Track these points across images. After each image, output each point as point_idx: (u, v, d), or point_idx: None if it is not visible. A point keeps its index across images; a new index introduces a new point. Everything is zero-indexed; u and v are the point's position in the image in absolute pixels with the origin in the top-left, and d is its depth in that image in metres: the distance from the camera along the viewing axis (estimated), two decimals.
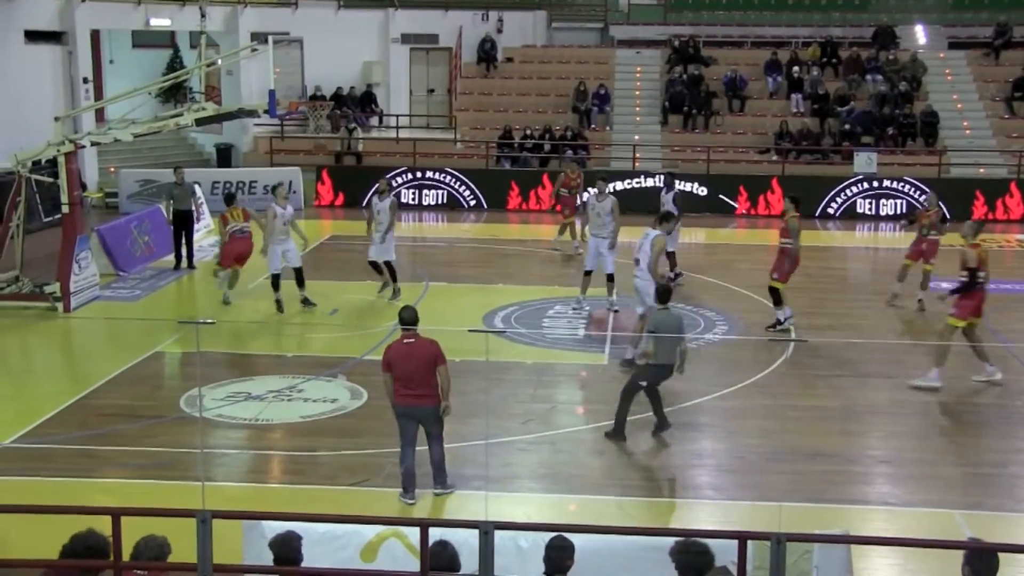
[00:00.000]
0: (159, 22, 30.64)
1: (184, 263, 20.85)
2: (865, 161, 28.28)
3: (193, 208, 21.38)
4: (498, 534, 6.46)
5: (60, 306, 17.43)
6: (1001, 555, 6.65)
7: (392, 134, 32.33)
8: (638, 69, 33.48)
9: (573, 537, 7.15)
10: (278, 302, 17.43)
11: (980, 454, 12.11)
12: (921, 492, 11.16)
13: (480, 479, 11.01)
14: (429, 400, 10.61)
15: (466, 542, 6.93)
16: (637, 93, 32.72)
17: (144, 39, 34.03)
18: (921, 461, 11.93)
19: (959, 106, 31.39)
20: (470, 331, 14.83)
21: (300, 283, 17.65)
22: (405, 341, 10.68)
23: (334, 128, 31.08)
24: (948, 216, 18.78)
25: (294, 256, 17.59)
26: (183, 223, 20.95)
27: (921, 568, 9.34)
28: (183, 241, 20.91)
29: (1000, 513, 10.66)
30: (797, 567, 7.63)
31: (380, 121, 33.64)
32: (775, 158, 29.56)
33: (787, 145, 29.67)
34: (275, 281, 17.43)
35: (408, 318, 10.82)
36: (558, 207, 23.49)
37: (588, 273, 17.73)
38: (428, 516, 10.25)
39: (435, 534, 7.04)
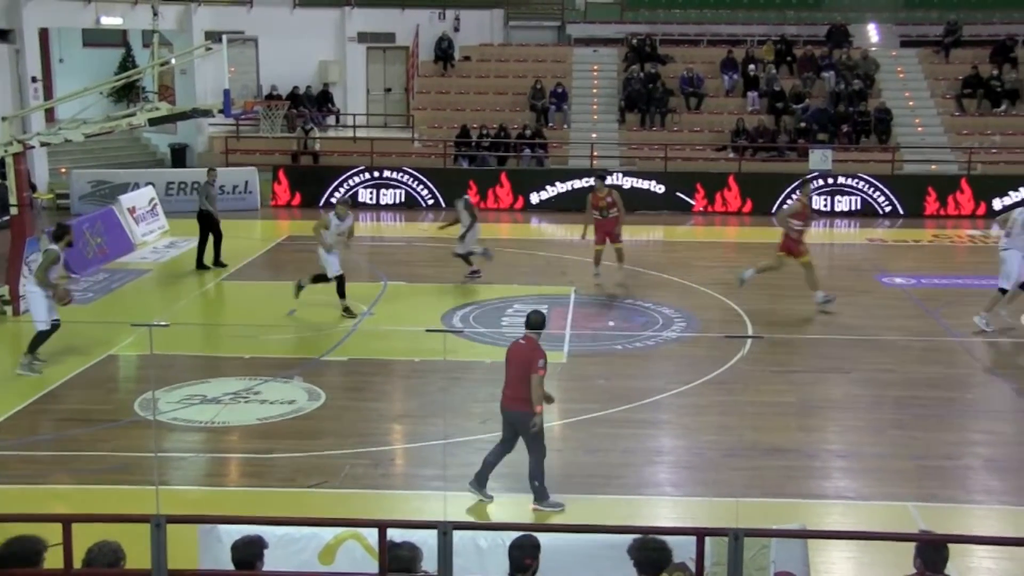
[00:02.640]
0: (110, 20, 30.35)
1: (209, 262, 20.70)
2: (820, 158, 28.49)
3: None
4: (458, 534, 6.44)
5: (9, 310, 17.19)
6: (953, 545, 6.72)
7: (349, 133, 32.20)
8: (595, 67, 33.55)
9: (542, 535, 7.14)
10: (347, 309, 17.20)
11: (933, 447, 12.23)
12: (876, 485, 11.26)
13: (439, 479, 10.98)
14: (516, 404, 10.44)
15: (425, 542, 6.90)
16: (594, 91, 32.79)
17: (95, 38, 33.66)
18: (876, 455, 12.03)
19: (911, 103, 31.71)
20: (427, 331, 14.80)
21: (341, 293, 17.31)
22: (518, 341, 10.62)
23: (290, 128, 30.90)
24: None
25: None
26: (211, 224, 20.70)
27: (876, 560, 9.42)
28: (208, 241, 20.68)
29: (952, 504, 10.78)
30: (755, 562, 7.67)
31: (337, 120, 33.51)
32: (732, 156, 29.73)
33: (743, 143, 29.85)
34: (340, 287, 17.24)
35: (530, 321, 10.66)
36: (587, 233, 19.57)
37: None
38: (386, 517, 10.19)
39: (394, 535, 7.00)
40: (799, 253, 17.62)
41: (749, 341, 15.97)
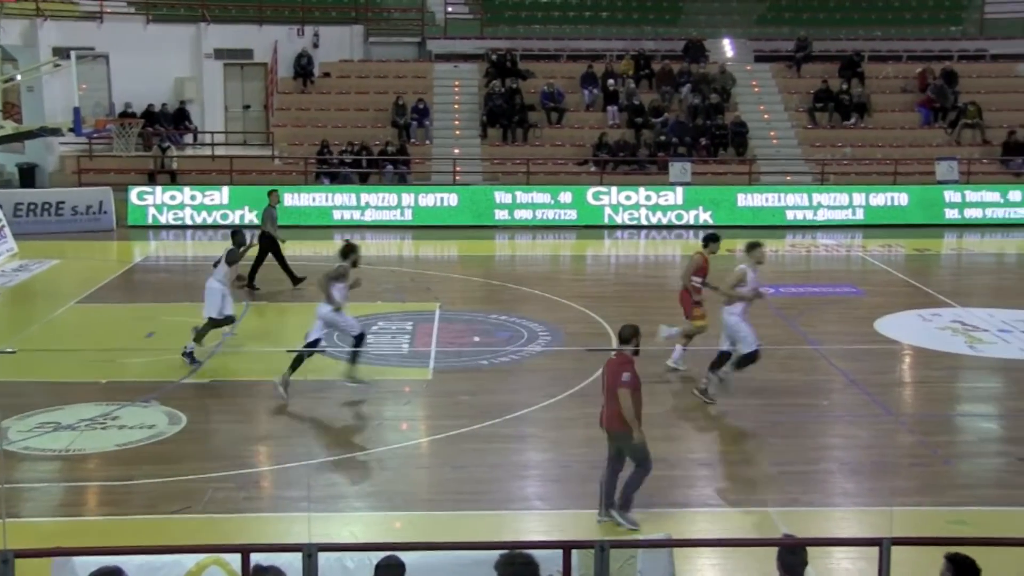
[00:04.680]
0: None
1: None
2: (680, 171, 29.05)
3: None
4: (324, 555, 6.32)
5: None
6: (813, 548, 6.85)
7: (208, 151, 31.58)
8: (456, 83, 33.60)
9: (402, 554, 7.04)
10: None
11: (793, 453, 12.51)
12: (739, 492, 11.45)
13: (304, 500, 10.79)
14: (611, 422, 10.30)
15: (291, 565, 6.75)
16: (456, 107, 32.83)
17: None
18: (739, 462, 12.25)
19: (766, 116, 32.58)
20: (288, 351, 14.53)
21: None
22: (611, 357, 10.54)
23: (146, 146, 30.14)
24: None
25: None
26: (273, 245, 20.15)
27: (740, 566, 9.56)
28: (263, 263, 20.17)
29: (813, 508, 11.03)
30: (622, 573, 7.71)
31: (195, 138, 32.85)
32: (593, 169, 30.08)
33: (605, 156, 30.23)
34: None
35: (621, 335, 10.60)
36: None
37: None
38: (250, 541, 9.96)
39: (259, 559, 6.84)
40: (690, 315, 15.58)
41: (614, 354, 16.07)
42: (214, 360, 15.86)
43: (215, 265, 15.99)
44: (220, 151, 31.20)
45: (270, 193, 21.24)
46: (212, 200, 27.58)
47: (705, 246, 15.18)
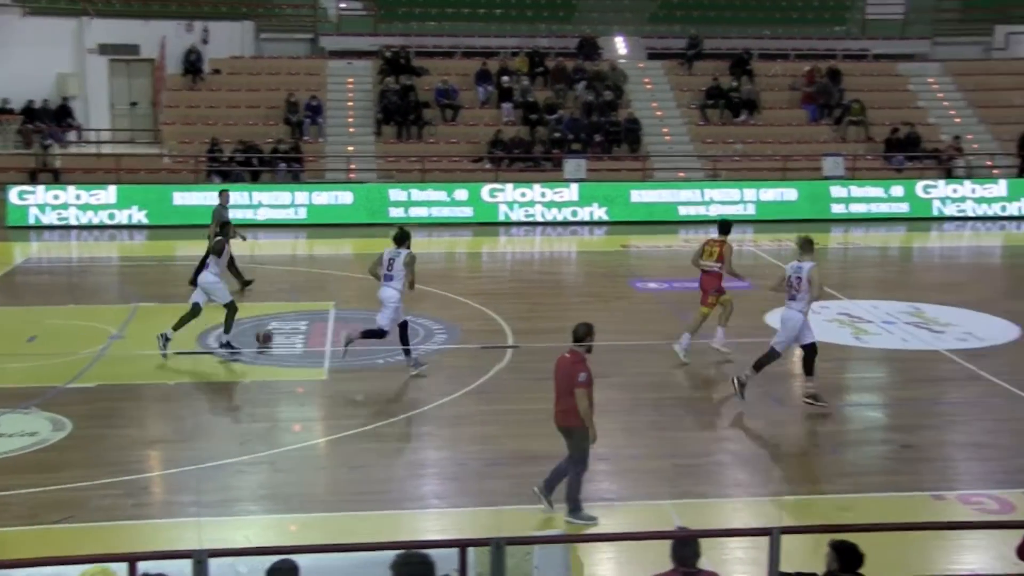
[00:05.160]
0: None
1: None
2: (575, 167, 29.21)
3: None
4: (215, 561, 6.19)
5: None
6: (707, 539, 6.91)
7: (93, 149, 30.80)
8: (350, 80, 33.32)
9: (297, 557, 6.93)
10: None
11: (687, 445, 12.64)
12: (636, 486, 11.53)
13: (195, 505, 10.57)
14: (565, 417, 10.37)
15: (182, 572, 6.59)
16: (350, 104, 32.56)
17: None
18: (635, 456, 12.33)
19: (659, 113, 32.94)
20: (178, 354, 14.25)
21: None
22: (563, 355, 10.46)
23: (26, 144, 29.28)
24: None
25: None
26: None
27: (636, 559, 9.61)
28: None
29: (706, 500, 11.15)
30: (519, 569, 7.70)
31: (79, 136, 32.01)
32: (488, 166, 30.08)
33: (500, 153, 30.26)
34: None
35: (575, 333, 10.46)
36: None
37: None
38: (139, 549, 9.72)
39: (147, 567, 6.67)
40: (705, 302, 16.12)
41: (510, 351, 16.12)
42: (101, 364, 15.46)
43: (202, 263, 16.25)
44: (106, 149, 30.49)
45: (221, 193, 20.88)
46: (98, 199, 26.95)
47: (728, 232, 16.01)
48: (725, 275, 15.91)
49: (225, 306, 15.78)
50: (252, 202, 27.41)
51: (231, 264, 19.53)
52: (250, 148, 29.43)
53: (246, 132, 30.35)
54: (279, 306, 18.74)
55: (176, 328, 15.51)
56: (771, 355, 13.89)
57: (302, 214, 27.58)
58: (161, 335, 15.44)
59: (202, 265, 18.90)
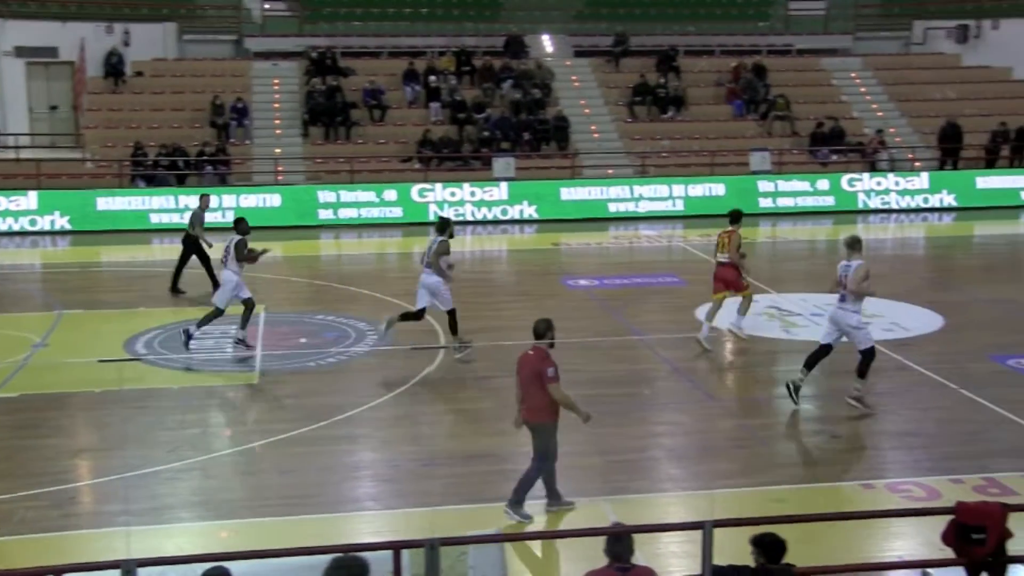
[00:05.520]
0: None
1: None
2: (504, 166, 29.21)
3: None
4: (145, 571, 6.07)
5: None
6: (641, 535, 6.93)
7: (11, 155, 30.17)
8: (276, 81, 33.01)
9: (229, 564, 6.83)
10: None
11: (620, 441, 12.67)
12: (570, 483, 11.50)
13: (123, 514, 10.39)
14: (534, 415, 10.38)
15: None
16: (276, 106, 32.25)
17: None
18: (569, 453, 12.27)
19: (587, 111, 33.05)
20: (100, 361, 13.99)
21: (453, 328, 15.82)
22: (527, 352, 10.49)
23: None
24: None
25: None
26: (196, 249, 19.83)
27: (571, 556, 9.62)
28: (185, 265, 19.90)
29: (640, 495, 11.19)
30: (454, 570, 7.67)
31: None
32: (418, 166, 29.98)
33: (429, 153, 30.16)
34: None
35: (535, 330, 10.54)
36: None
37: None
38: (66, 561, 9.54)
39: None
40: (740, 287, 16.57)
41: (442, 351, 16.07)
42: (24, 374, 15.15)
43: (224, 257, 16.19)
44: (26, 154, 29.86)
45: (201, 196, 20.85)
46: (18, 205, 26.45)
47: (738, 222, 16.31)
48: (736, 263, 16.25)
49: (243, 302, 16.02)
50: (179, 206, 27.03)
51: (178, 268, 19.43)
52: (175, 151, 29.02)
53: (171, 135, 29.93)
54: (209, 310, 18.45)
55: (200, 325, 16.04)
56: (823, 351, 13.67)
57: (229, 217, 27.18)
58: (184, 331, 16.02)
59: (178, 273, 19.60)
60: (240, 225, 16.42)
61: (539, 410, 10.38)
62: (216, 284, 19.08)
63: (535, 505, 10.61)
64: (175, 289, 19.66)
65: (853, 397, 13.60)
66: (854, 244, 13.58)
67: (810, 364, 13.75)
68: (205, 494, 11.34)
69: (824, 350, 13.71)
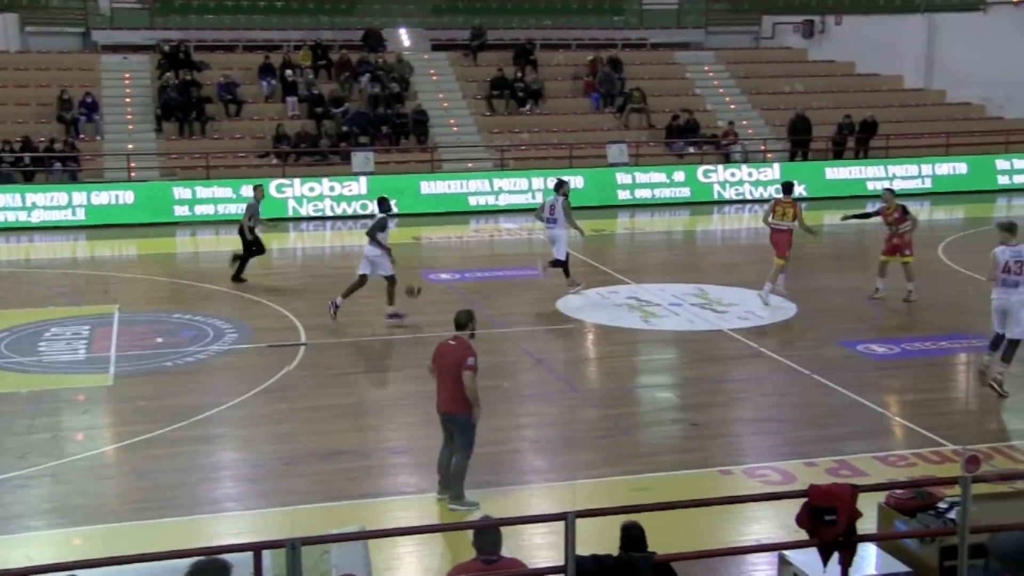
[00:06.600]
0: None
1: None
2: (363, 160, 28.99)
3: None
4: None
5: None
6: (507, 527, 6.95)
7: None
8: (127, 75, 32.13)
9: (86, 572, 6.63)
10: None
11: (483, 434, 12.62)
12: (433, 478, 11.49)
13: None
14: (451, 405, 10.44)
15: None
16: (128, 100, 31.39)
17: None
18: (432, 448, 12.27)
19: (445, 105, 33.04)
20: None
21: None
22: (447, 342, 10.53)
23: None
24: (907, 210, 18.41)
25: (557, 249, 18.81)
26: (254, 241, 20.31)
27: (435, 552, 9.63)
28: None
29: (504, 488, 11.23)
30: (317, 569, 7.56)
31: None
32: (275, 161, 29.54)
33: (286, 148, 29.75)
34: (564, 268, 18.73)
35: (456, 321, 10.63)
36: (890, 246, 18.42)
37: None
38: None
39: None
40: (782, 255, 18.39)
41: (303, 348, 15.88)
42: None
43: (370, 236, 16.99)
44: None
45: (255, 187, 20.86)
46: None
47: (792, 192, 18.80)
48: (798, 230, 18.27)
49: (386, 278, 17.05)
50: (26, 204, 26.15)
51: (246, 258, 20.23)
52: (22, 147, 28.00)
53: (15, 130, 28.86)
54: (59, 311, 17.91)
55: (345, 296, 17.08)
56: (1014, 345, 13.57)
57: (80, 215, 26.46)
58: (331, 303, 17.06)
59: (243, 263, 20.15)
60: (383, 205, 17.62)
61: (460, 400, 10.46)
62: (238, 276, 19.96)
63: (422, 500, 10.57)
64: (237, 278, 19.98)
65: (995, 380, 13.66)
66: (1012, 228, 13.44)
67: (1007, 358, 13.61)
68: (56, 501, 10.97)
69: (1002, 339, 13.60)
